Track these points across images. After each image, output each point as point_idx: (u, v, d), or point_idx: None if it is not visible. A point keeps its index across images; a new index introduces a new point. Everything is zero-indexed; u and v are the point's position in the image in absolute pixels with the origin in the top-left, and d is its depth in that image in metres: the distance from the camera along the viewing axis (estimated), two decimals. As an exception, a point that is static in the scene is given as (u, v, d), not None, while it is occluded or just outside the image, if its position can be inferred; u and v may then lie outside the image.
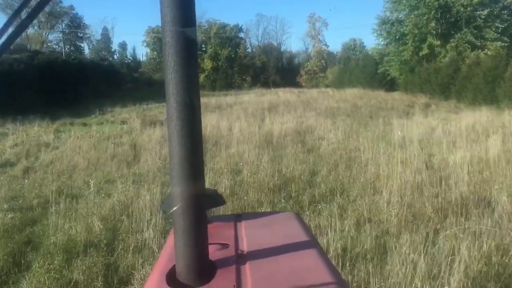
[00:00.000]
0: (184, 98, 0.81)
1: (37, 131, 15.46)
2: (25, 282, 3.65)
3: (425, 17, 32.01)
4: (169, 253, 0.98)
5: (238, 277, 0.87)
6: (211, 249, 0.94)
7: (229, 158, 9.23)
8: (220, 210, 3.42)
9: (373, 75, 39.21)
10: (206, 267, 0.88)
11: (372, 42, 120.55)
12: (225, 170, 7.78)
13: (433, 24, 32.15)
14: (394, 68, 35.67)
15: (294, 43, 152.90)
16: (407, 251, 3.72)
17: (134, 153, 10.29)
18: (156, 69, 55.32)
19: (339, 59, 63.93)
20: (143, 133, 13.65)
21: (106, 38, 59.09)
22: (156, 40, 56.07)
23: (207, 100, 26.27)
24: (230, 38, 56.53)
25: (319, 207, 5.25)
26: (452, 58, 29.05)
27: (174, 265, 0.88)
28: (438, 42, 31.82)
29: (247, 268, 0.90)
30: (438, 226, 4.50)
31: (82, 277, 3.67)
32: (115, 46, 61.56)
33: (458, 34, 31.73)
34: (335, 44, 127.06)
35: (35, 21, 44.21)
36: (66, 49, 47.54)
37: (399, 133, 11.60)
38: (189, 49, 0.82)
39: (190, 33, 0.81)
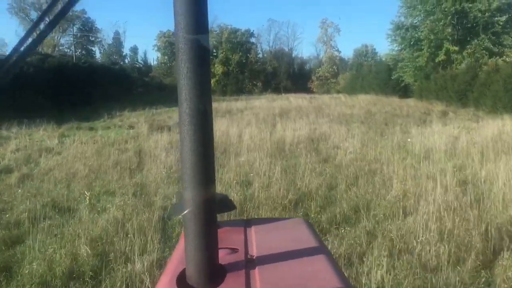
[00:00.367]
0: (196, 104, 0.82)
1: (41, 135, 15.05)
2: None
3: (441, 23, 31.16)
4: (179, 256, 0.99)
5: (247, 282, 0.87)
6: (221, 253, 0.95)
7: (238, 167, 8.61)
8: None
9: (387, 81, 38.42)
10: (216, 271, 0.88)
11: (384, 48, 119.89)
12: (234, 181, 7.15)
13: (449, 29, 31.28)
14: (408, 74, 34.81)
15: (306, 48, 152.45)
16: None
17: (138, 160, 9.74)
18: (167, 73, 55.24)
19: (351, 65, 63.28)
20: (149, 138, 13.11)
21: (117, 42, 59.17)
22: (167, 45, 56.05)
23: (217, 105, 25.78)
24: (241, 43, 56.17)
25: (342, 230, 4.57)
26: (470, 65, 28.13)
27: (184, 269, 0.89)
28: (455, 48, 30.91)
29: (257, 273, 0.91)
30: (491, 262, 3.81)
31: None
32: (126, 50, 61.68)
33: (475, 41, 30.81)
34: (346, 50, 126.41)
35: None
36: (78, 53, 47.58)
37: (415, 141, 10.89)
38: (202, 56, 0.83)
39: (203, 40, 0.82)
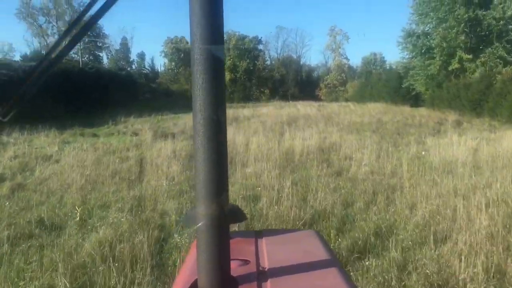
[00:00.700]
0: (210, 115, 0.82)
1: (42, 141, 14.61)
2: None
3: (454, 30, 30.43)
4: (191, 267, 0.98)
5: None
6: (233, 264, 0.94)
7: (245, 180, 8.02)
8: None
9: (397, 89, 37.67)
10: (228, 282, 0.87)
11: (393, 56, 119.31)
12: (240, 196, 6.56)
13: (462, 37, 30.52)
14: (419, 83, 34.02)
15: (314, 56, 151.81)
16: None
17: (139, 170, 9.20)
18: (174, 79, 54.99)
19: (359, 73, 62.65)
20: (153, 146, 12.59)
21: (125, 47, 59.08)
22: (175, 51, 55.87)
23: (223, 112, 25.23)
24: (249, 50, 55.81)
25: (367, 262, 3.92)
26: (484, 74, 27.35)
27: (196, 279, 0.88)
28: (469, 57, 30.13)
29: (269, 285, 0.90)
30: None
31: None
32: (133, 56, 61.57)
33: (489, 49, 30.03)
34: (354, 58, 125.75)
35: (49, 30, 44.46)
36: (85, 58, 47.47)
37: (433, 153, 10.23)
38: (216, 67, 0.84)
39: (218, 51, 0.84)
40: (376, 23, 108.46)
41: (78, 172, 8.61)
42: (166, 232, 4.71)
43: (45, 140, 14.72)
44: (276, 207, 5.60)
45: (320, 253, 1.07)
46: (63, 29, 46.70)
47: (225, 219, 0.84)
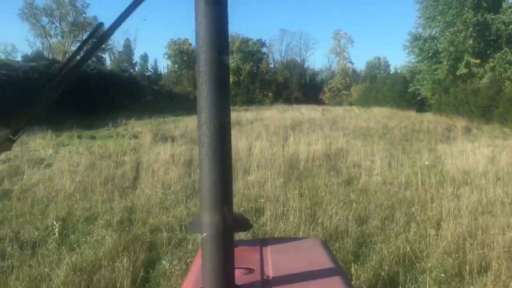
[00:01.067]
0: (216, 125, 0.83)
1: (38, 143, 14.05)
2: None
3: (461, 34, 29.78)
4: (196, 275, 0.97)
5: None
6: (237, 273, 0.94)
7: (247, 189, 7.42)
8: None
9: (402, 94, 36.97)
10: None
11: (397, 60, 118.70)
12: (242, 208, 5.96)
13: (470, 42, 29.86)
14: (426, 88, 33.32)
15: (318, 59, 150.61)
16: None
17: (134, 176, 8.62)
18: (177, 82, 54.52)
19: (363, 77, 62.07)
20: (151, 150, 12.00)
21: (128, 49, 58.69)
22: (178, 53, 55.42)
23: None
24: (252, 52, 55.29)
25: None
26: (493, 79, 26.69)
27: None
28: (476, 61, 29.46)
29: None
30: None
31: None
32: (136, 58, 61.14)
33: (498, 54, 29.37)
34: (358, 62, 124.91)
35: (54, 31, 44.09)
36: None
37: (446, 161, 9.61)
38: (222, 77, 0.83)
39: (223, 61, 0.83)
40: (380, 27, 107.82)
41: (68, 178, 8.04)
42: (155, 253, 4.12)
43: (41, 143, 14.14)
44: (281, 223, 4.98)
45: (325, 262, 1.08)
46: (66, 30, 46.39)
47: (230, 228, 0.84)
